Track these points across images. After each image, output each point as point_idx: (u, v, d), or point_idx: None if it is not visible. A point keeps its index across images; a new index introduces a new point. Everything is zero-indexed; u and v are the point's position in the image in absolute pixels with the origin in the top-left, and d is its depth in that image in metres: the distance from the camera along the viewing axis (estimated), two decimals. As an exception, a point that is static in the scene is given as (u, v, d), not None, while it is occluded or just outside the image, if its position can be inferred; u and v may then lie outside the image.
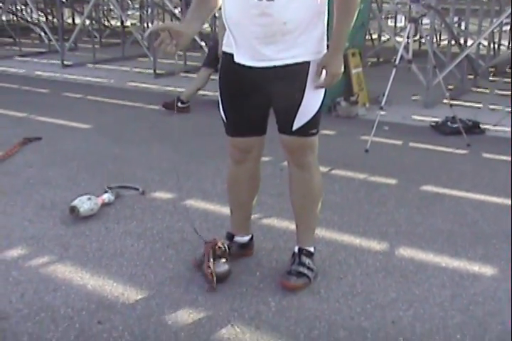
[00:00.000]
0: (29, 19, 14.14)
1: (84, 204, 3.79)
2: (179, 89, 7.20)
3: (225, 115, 2.98)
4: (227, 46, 2.84)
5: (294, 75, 2.74)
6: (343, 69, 2.78)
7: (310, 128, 2.84)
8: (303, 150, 2.91)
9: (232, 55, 2.78)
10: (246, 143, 3.02)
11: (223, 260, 3.04)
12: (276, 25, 2.63)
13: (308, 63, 2.73)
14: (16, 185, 4.39)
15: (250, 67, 2.74)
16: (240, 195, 3.21)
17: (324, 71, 2.74)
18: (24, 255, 3.32)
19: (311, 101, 2.79)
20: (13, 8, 13.17)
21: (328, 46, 2.79)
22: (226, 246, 3.10)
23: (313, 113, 2.81)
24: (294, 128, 2.82)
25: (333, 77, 2.75)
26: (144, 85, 8.49)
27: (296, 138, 2.86)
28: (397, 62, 5.54)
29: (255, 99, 2.85)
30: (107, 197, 3.99)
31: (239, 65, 2.76)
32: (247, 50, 2.72)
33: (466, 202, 4.17)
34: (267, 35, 2.65)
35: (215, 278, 2.95)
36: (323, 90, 2.82)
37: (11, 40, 13.05)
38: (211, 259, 3.00)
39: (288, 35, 2.65)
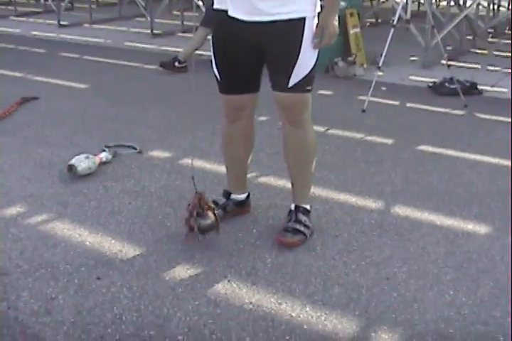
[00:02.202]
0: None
1: (82, 162, 3.80)
2: (176, 49, 7.16)
3: (218, 72, 2.97)
4: (219, 3, 2.82)
5: (290, 31, 2.73)
6: (338, 30, 2.80)
7: (306, 84, 2.84)
8: (298, 107, 2.91)
9: (225, 12, 2.77)
10: (239, 101, 3.02)
11: (209, 213, 2.99)
12: None
13: (303, 19, 2.72)
14: (14, 144, 4.40)
15: (245, 22, 2.73)
16: (235, 152, 3.22)
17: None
18: (23, 213, 3.35)
19: (307, 58, 2.79)
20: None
21: (322, 6, 2.79)
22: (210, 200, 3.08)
23: (309, 69, 2.81)
24: (291, 84, 2.81)
25: (331, 37, 2.77)
26: (141, 45, 8.43)
27: (292, 94, 2.85)
28: (395, 22, 5.50)
29: (249, 55, 2.85)
30: (104, 155, 4.01)
31: (233, 20, 2.75)
32: (241, 5, 2.71)
33: (462, 162, 4.19)
34: None
35: (198, 232, 2.94)
36: None
37: (6, -1, 12.91)
38: (195, 212, 2.96)
39: None
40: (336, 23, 2.79)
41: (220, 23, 2.87)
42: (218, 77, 2.98)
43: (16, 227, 3.18)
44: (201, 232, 2.94)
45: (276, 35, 2.74)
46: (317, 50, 2.82)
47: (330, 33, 2.75)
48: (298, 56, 2.75)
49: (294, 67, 2.77)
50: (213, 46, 2.95)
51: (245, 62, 2.89)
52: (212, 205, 3.02)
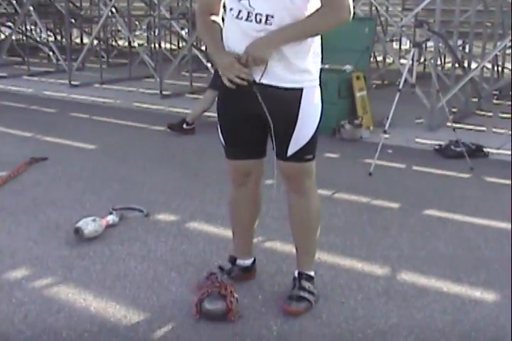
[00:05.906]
0: (38, 39, 14.28)
1: (89, 225, 3.81)
2: (185, 110, 7.25)
3: (223, 138, 3.01)
4: None
5: (288, 100, 2.76)
6: (267, 58, 2.66)
7: (305, 153, 2.86)
8: (299, 176, 2.93)
9: None
10: (246, 166, 3.04)
11: (219, 297, 2.93)
12: None
13: (301, 90, 2.76)
14: (22, 204, 4.43)
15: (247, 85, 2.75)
16: (241, 218, 3.22)
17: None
18: (28, 276, 3.35)
19: (305, 127, 2.81)
20: (23, 28, 13.29)
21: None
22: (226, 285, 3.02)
23: (308, 138, 2.83)
24: (289, 153, 2.85)
25: (248, 57, 2.65)
26: (150, 106, 8.55)
27: (292, 163, 2.88)
28: (400, 86, 5.57)
29: (252, 122, 2.87)
30: (111, 218, 4.02)
31: (236, 85, 2.78)
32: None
33: (469, 227, 4.17)
34: None
35: (198, 314, 2.92)
36: (318, 116, 2.84)
37: (19, 59, 13.18)
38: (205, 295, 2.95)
39: (282, 59, 2.69)
40: (266, 49, 2.65)
41: (225, 89, 2.89)
42: (224, 142, 3.02)
43: (21, 291, 3.17)
44: (204, 316, 2.92)
45: (275, 101, 2.75)
46: (317, 120, 2.84)
47: (249, 52, 2.65)
48: (295, 125, 2.78)
49: (291, 136, 2.80)
50: (218, 113, 2.99)
51: (249, 128, 2.91)
52: (229, 290, 2.96)
